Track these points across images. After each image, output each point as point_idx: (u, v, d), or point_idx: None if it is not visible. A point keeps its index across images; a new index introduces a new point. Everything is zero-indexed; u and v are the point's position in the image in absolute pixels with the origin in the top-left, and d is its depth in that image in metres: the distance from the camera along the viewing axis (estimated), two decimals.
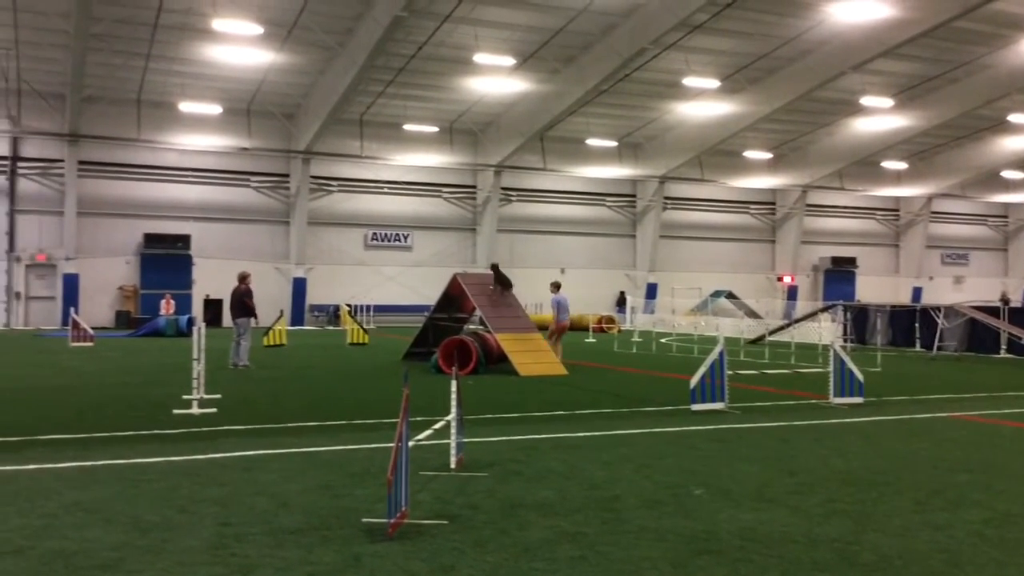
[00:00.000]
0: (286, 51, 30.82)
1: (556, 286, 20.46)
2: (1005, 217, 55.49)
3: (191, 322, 27.72)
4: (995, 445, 9.85)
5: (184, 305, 35.82)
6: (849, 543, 5.82)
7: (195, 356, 11.55)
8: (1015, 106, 38.27)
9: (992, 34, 31.25)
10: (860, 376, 13.11)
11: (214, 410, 11.49)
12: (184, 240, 36.96)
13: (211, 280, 36.06)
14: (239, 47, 29.88)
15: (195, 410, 11.31)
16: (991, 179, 49.92)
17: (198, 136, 36.38)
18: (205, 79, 33.58)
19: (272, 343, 24.56)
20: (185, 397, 11.69)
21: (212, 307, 35.44)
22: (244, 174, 38.51)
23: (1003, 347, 23.83)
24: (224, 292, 22.27)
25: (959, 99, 36.90)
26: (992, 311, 25.04)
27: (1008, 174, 49.35)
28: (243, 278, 18.56)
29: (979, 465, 8.57)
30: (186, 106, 34.81)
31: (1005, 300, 28.69)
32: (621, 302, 43.81)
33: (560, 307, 19.77)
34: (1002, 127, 41.99)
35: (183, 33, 29.17)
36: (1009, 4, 27.42)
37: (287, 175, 38.99)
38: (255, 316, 18.40)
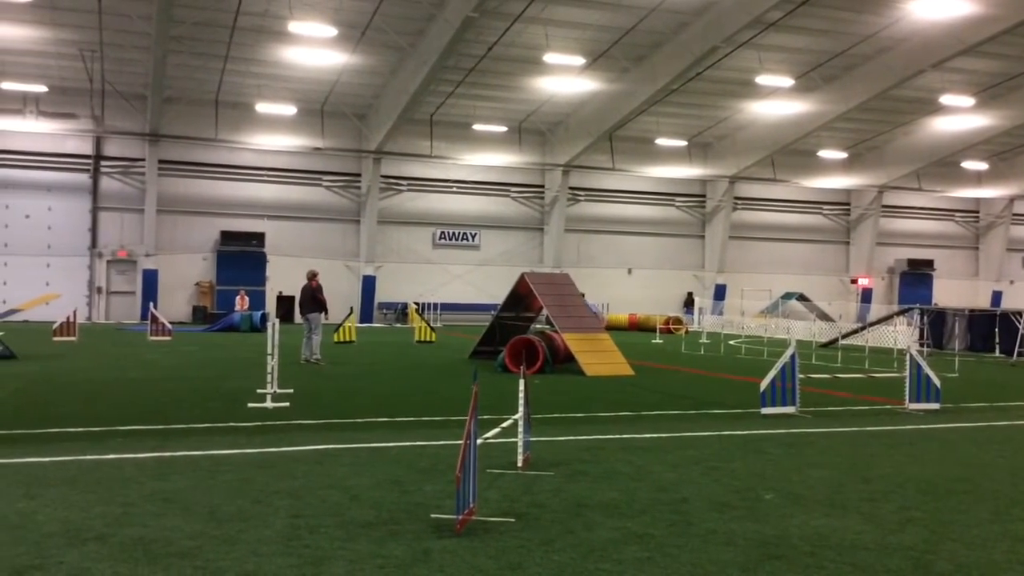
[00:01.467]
0: (359, 52, 31.28)
1: None
2: None
3: (264, 318, 28.36)
4: None
5: (258, 301, 36.62)
6: (924, 552, 5.68)
7: (269, 351, 11.81)
8: None
9: None
10: (937, 381, 12.77)
11: (287, 404, 11.74)
12: (259, 238, 37.79)
13: (284, 277, 36.81)
14: (314, 48, 30.44)
15: (269, 404, 11.56)
16: None
17: (273, 136, 37.16)
18: (280, 80, 34.30)
19: (342, 339, 24.94)
20: (259, 391, 11.97)
21: (284, 303, 36.18)
22: (317, 173, 39.20)
23: None
24: (296, 289, 22.71)
25: None
26: None
27: None
28: (312, 276, 18.93)
29: None
30: (262, 107, 35.59)
31: None
32: (689, 303, 43.35)
33: None
34: None
35: (260, 35, 29.84)
36: None
37: (358, 174, 39.57)
38: (326, 311, 18.76)
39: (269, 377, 11.80)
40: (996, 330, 25.63)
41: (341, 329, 25.37)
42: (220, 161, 37.79)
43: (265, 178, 38.62)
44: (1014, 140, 42.92)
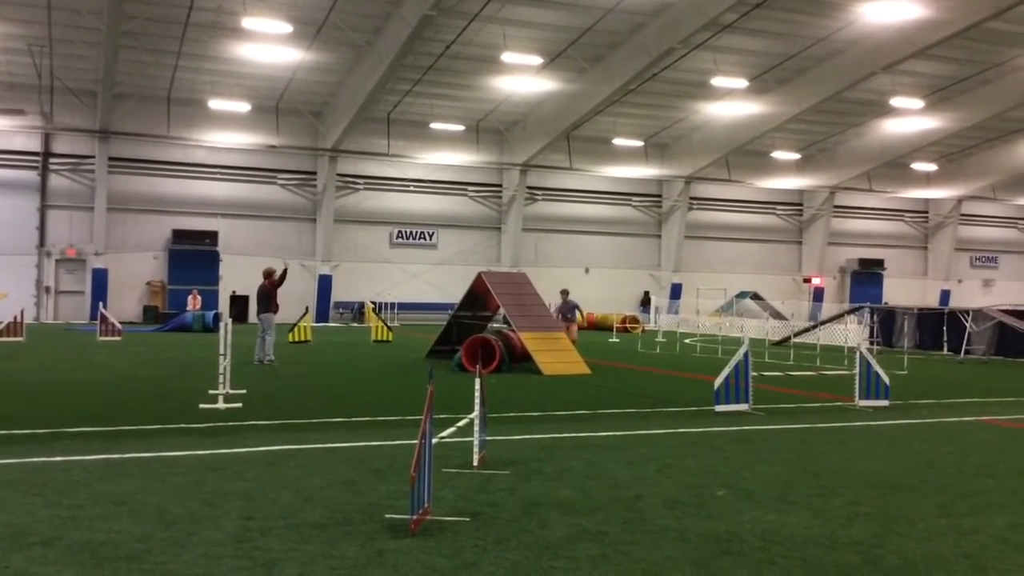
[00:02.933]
0: (315, 49, 31.01)
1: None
2: None
3: (217, 318, 27.98)
4: (1022, 450, 9.73)
5: (211, 301, 36.13)
6: (872, 546, 5.78)
7: (221, 351, 11.66)
8: None
9: None
10: (886, 379, 13.02)
11: (239, 405, 11.60)
12: (212, 236, 37.30)
13: (238, 276, 36.38)
14: (268, 45, 30.11)
15: (221, 405, 11.42)
16: (1022, 182, 49.23)
17: (227, 133, 36.70)
18: (234, 77, 33.87)
19: (297, 339, 24.73)
20: (211, 392, 11.81)
21: (238, 303, 35.76)
22: (272, 171, 38.80)
23: None
24: (251, 288, 22.45)
25: (991, 101, 36.45)
26: (1021, 315, 24.72)
27: None
28: (268, 274, 18.71)
29: (1006, 470, 8.48)
30: (215, 103, 35.12)
31: None
32: (645, 302, 43.68)
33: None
34: None
35: (213, 31, 29.44)
36: None
37: (314, 173, 39.24)
38: (276, 311, 18.51)
39: (221, 378, 11.66)
40: (944, 328, 26.19)
41: (296, 329, 25.15)
42: (172, 159, 37.22)
43: (218, 176, 38.13)
44: (962, 142, 43.87)
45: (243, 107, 35.58)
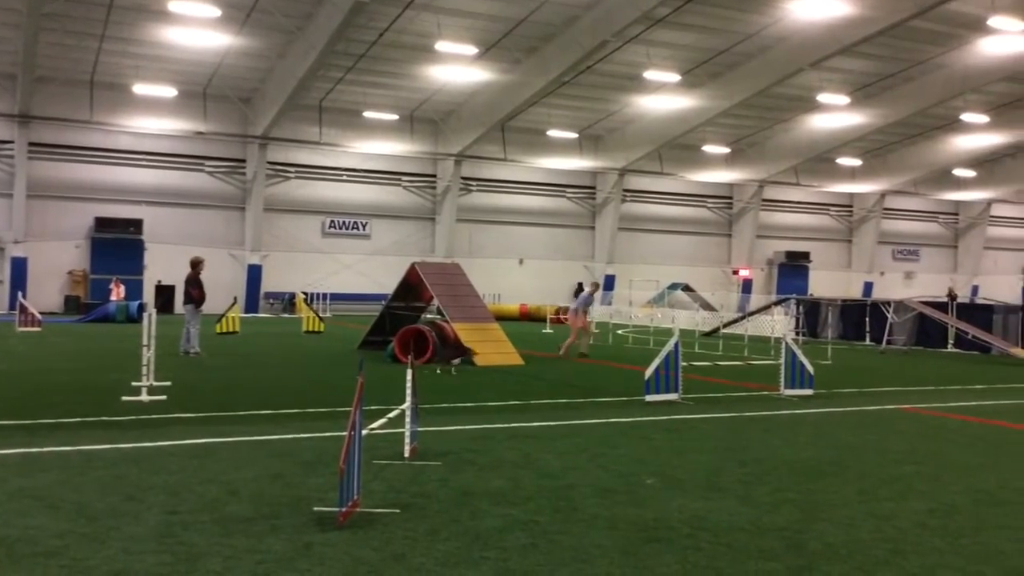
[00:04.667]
0: (244, 34, 30.37)
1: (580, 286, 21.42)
2: (955, 215, 56.63)
3: (141, 308, 27.29)
4: (941, 437, 10.06)
5: (135, 291, 35.22)
6: (796, 532, 5.91)
7: (144, 342, 11.37)
8: (968, 105, 39.03)
9: (947, 34, 31.79)
10: (811, 368, 13.33)
11: (164, 397, 11.33)
12: (136, 225, 36.33)
13: (163, 266, 35.55)
14: (196, 29, 29.40)
15: (144, 397, 11.13)
16: (943, 177, 50.89)
17: (152, 119, 35.75)
18: (160, 61, 32.98)
19: (225, 330, 24.27)
20: (134, 384, 11.50)
21: (164, 293, 34.91)
22: (199, 158, 37.94)
23: (951, 342, 24.34)
24: (177, 278, 21.94)
25: (914, 98, 37.52)
26: (940, 307, 25.58)
27: (959, 172, 50.34)
28: (195, 264, 18.29)
29: (925, 456, 8.75)
30: (140, 88, 34.17)
31: (952, 296, 29.29)
32: (579, 293, 43.93)
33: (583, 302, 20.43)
34: (955, 126, 42.79)
35: (138, 14, 28.61)
36: (964, 4, 27.89)
37: (243, 160, 38.49)
38: (200, 302, 18.10)
39: (145, 369, 11.37)
40: (867, 319, 26.95)
41: (223, 320, 24.68)
42: (95, 144, 36.10)
43: (143, 163, 37.12)
44: (886, 138, 45.12)
45: (169, 92, 34.69)
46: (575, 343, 19.53)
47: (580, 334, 19.69)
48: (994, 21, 28.11)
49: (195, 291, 17.88)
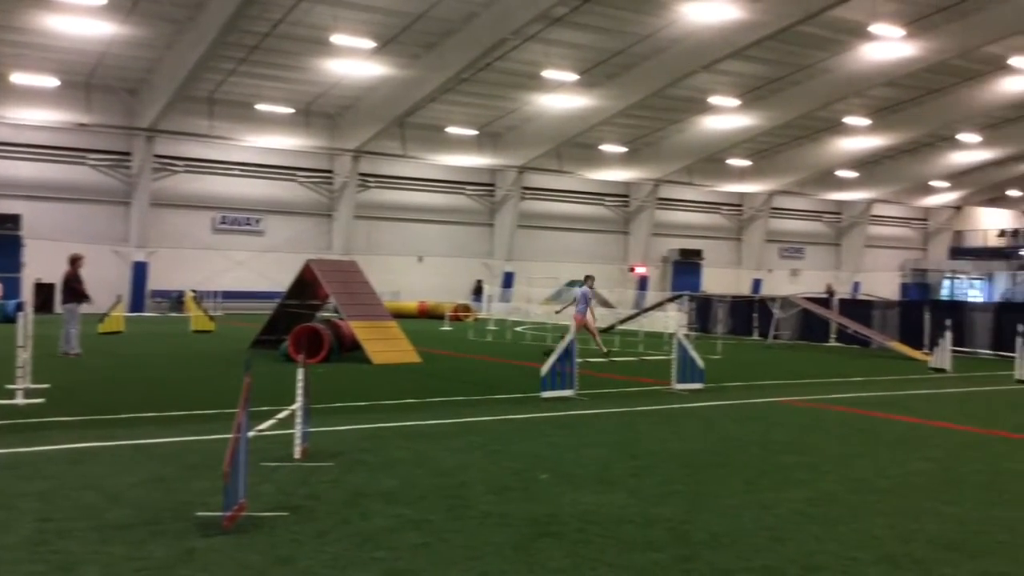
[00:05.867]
0: (131, 23, 29.20)
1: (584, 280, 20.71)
2: (838, 214, 59.02)
3: (19, 307, 25.98)
4: (821, 428, 10.47)
5: (13, 289, 33.49)
6: (682, 522, 6.05)
7: (20, 343, 10.83)
8: (850, 109, 40.75)
9: (831, 39, 33.05)
10: (701, 363, 13.67)
11: (41, 401, 10.82)
12: (13, 220, 34.51)
13: (43, 263, 33.86)
14: (79, 17, 28.12)
15: (20, 400, 10.60)
16: (827, 178, 52.95)
17: (32, 110, 34.04)
18: (40, 50, 31.38)
19: (108, 330, 23.36)
20: (9, 387, 10.95)
21: (43, 292, 33.30)
22: (81, 151, 36.33)
23: (832, 336, 25.36)
24: (57, 276, 20.93)
25: (800, 101, 38.91)
26: (823, 302, 26.65)
27: (842, 173, 52.49)
28: (73, 261, 17.53)
29: (805, 447, 9.09)
30: (19, 77, 32.48)
31: (830, 292, 30.54)
32: (478, 291, 44.03)
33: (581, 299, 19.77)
34: (838, 128, 44.58)
35: (18, 1, 27.20)
36: (847, 11, 29.02)
37: (129, 153, 37.02)
38: (85, 300, 17.40)
39: (20, 371, 10.82)
40: (755, 315, 27.86)
41: (107, 319, 23.75)
42: None
43: (22, 155, 35.29)
44: (774, 139, 46.68)
45: (50, 82, 33.09)
46: (596, 339, 19.48)
47: (581, 330, 19.60)
48: (875, 28, 29.42)
49: (75, 288, 17.17)
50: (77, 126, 35.17)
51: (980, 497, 7.03)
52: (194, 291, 34.43)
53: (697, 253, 51.96)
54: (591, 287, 20.38)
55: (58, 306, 19.48)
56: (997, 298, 54.79)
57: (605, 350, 19.45)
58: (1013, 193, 62.11)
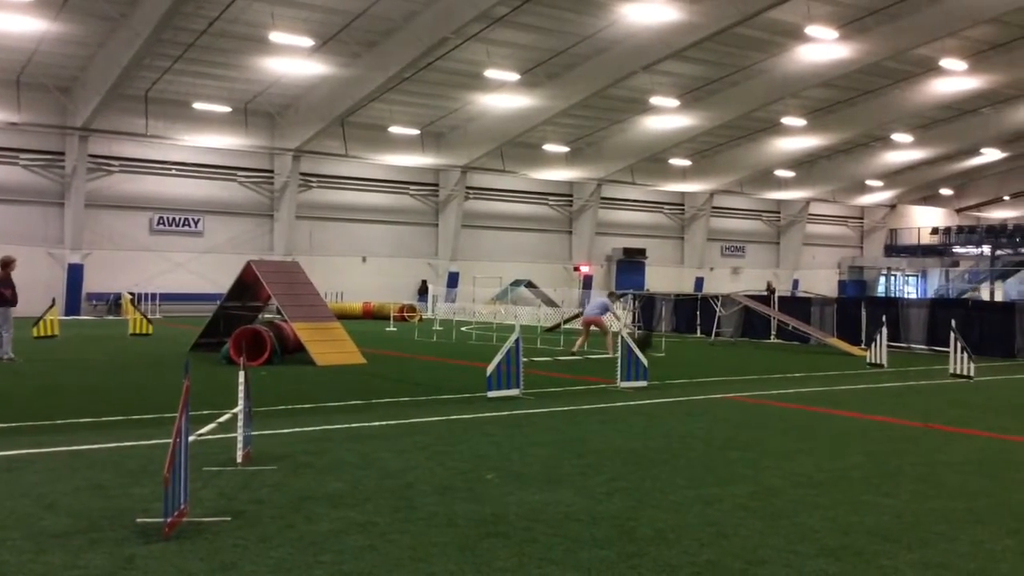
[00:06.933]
0: (62, 20, 28.46)
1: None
2: (777, 213, 60.10)
3: None
4: (762, 424, 10.64)
5: None
6: (628, 519, 6.10)
7: None
8: (787, 109, 41.53)
9: (768, 41, 33.63)
10: (645, 361, 13.80)
11: None
12: None
13: None
14: (8, 14, 27.30)
15: None
16: (766, 177, 53.89)
17: None
18: None
19: (42, 334, 22.76)
20: None
21: None
22: (12, 151, 35.28)
23: (773, 333, 25.81)
24: None
25: (738, 101, 39.51)
26: (763, 299, 27.10)
27: (780, 173, 53.48)
28: (5, 264, 17.03)
29: (747, 443, 9.23)
30: None
31: (770, 289, 31.05)
32: (423, 291, 43.89)
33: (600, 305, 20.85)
34: (776, 129, 45.41)
35: None
36: (783, 13, 29.56)
37: (62, 153, 36.08)
38: (12, 303, 16.92)
39: None
40: (698, 312, 28.22)
41: (41, 323, 23.13)
42: None
43: None
44: (714, 139, 47.34)
45: None
46: (609, 339, 19.64)
47: (589, 332, 20.18)
48: (811, 30, 30.02)
49: (6, 292, 16.69)
50: (8, 125, 34.17)
51: (917, 489, 7.21)
52: (131, 293, 33.75)
53: (641, 252, 52.46)
54: (613, 302, 22.14)
55: None
56: (931, 294, 56.42)
57: (576, 352, 19.75)
58: (945, 192, 64.00)
